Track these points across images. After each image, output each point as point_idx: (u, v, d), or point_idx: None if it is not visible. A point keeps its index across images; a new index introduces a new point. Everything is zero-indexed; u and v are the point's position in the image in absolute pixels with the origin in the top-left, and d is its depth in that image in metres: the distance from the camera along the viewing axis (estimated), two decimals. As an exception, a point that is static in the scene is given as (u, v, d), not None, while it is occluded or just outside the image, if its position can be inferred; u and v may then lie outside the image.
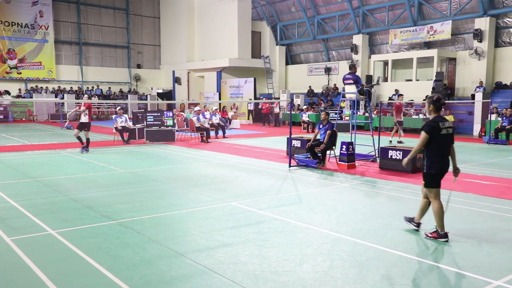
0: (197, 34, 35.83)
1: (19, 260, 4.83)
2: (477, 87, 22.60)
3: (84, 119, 13.73)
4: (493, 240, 5.64)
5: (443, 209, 5.64)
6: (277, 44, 34.14)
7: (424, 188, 5.83)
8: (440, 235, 5.58)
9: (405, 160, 5.92)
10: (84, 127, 13.70)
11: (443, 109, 22.20)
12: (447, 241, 5.56)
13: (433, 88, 22.71)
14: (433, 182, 5.70)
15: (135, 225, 6.14)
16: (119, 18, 37.96)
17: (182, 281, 4.34)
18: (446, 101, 22.50)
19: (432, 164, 5.65)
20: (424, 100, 23.68)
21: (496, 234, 5.90)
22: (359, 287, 4.21)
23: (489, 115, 18.78)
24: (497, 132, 18.13)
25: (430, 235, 5.68)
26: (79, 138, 13.74)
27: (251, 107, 30.14)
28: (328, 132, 11.21)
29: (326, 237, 5.69)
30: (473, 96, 22.33)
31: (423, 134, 5.60)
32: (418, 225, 6.01)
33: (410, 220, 6.11)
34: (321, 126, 11.58)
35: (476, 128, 21.31)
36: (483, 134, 19.97)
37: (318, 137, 11.55)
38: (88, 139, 13.89)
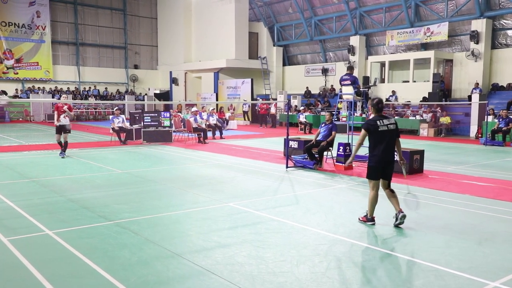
0: (194, 34, 35.83)
1: (16, 260, 4.82)
2: (473, 88, 22.68)
3: (64, 121, 12.71)
4: (490, 241, 5.66)
5: (376, 199, 6.28)
6: (274, 45, 34.18)
7: (381, 184, 6.33)
8: (368, 219, 6.32)
9: (349, 160, 6.83)
10: (66, 130, 12.78)
11: (439, 110, 22.27)
12: (373, 224, 6.25)
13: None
14: (371, 174, 6.28)
15: (132, 225, 6.14)
16: (116, 19, 37.91)
17: (179, 282, 4.34)
18: (443, 103, 22.63)
19: (372, 158, 6.26)
20: (421, 101, 23.79)
21: (493, 235, 5.92)
22: None
23: (485, 116, 18.83)
24: (494, 133, 18.19)
25: (361, 219, 6.41)
26: (60, 143, 12.87)
27: (246, 108, 30.16)
28: (333, 132, 11.28)
29: (323, 238, 5.70)
30: (469, 98, 22.41)
31: (362, 131, 6.31)
32: (401, 214, 6.12)
33: (398, 213, 6.18)
34: (323, 125, 11.64)
35: (473, 129, 21.39)
36: (479, 135, 20.04)
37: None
38: (66, 142, 12.91)
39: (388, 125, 6.19)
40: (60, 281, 4.30)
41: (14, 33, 32.84)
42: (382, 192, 6.42)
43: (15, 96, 32.01)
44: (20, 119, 31.35)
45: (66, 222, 6.29)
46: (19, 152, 13.96)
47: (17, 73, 33.25)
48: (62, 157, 12.65)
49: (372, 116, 6.46)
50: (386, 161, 6.18)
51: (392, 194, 6.25)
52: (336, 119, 19.48)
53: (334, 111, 16.53)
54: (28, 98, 31.59)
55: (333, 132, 11.33)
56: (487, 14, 22.73)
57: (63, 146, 12.89)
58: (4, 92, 31.94)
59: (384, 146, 6.15)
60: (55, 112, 12.93)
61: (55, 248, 5.22)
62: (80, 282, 4.29)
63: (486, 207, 7.45)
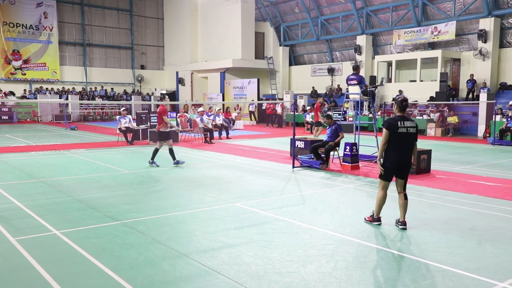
0: (201, 35, 35.88)
1: (23, 260, 4.84)
2: (481, 88, 22.52)
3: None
4: (498, 241, 5.62)
5: (384, 200, 6.25)
6: (280, 45, 34.14)
7: (397, 184, 6.25)
8: (374, 219, 6.32)
9: (378, 163, 6.29)
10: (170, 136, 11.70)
11: (447, 110, 22.15)
12: (379, 224, 6.26)
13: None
14: (384, 174, 6.18)
15: (139, 225, 6.15)
16: (122, 19, 38.06)
17: (186, 282, 4.34)
18: (450, 102, 22.49)
19: (387, 158, 6.15)
20: (428, 100, 23.66)
21: (501, 235, 5.87)
22: (363, 288, 4.20)
23: (493, 116, 18.71)
24: (502, 133, 18.07)
25: (367, 219, 6.40)
26: (157, 150, 11.64)
27: (252, 108, 30.16)
28: (341, 134, 11.26)
29: (330, 238, 5.68)
30: (477, 97, 22.25)
31: (384, 130, 6.13)
32: (401, 226, 6.12)
33: (399, 223, 6.18)
34: (328, 128, 11.65)
35: (481, 129, 21.24)
36: (487, 135, 19.90)
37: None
38: (157, 151, 11.61)
39: (408, 128, 6.07)
40: (68, 281, 4.31)
41: (21, 34, 33.07)
42: (390, 193, 6.38)
43: (22, 97, 32.24)
44: (28, 120, 31.56)
45: (73, 222, 6.32)
46: (27, 153, 14.05)
47: (24, 74, 33.47)
48: (183, 162, 11.68)
49: (394, 115, 6.34)
50: (402, 162, 6.09)
51: (404, 202, 6.12)
52: (342, 119, 19.48)
53: (332, 111, 16.54)
54: (36, 98, 31.80)
55: (340, 134, 11.31)
56: (495, 13, 22.56)
57: (173, 153, 11.61)
58: (12, 93, 32.18)
59: (401, 148, 6.06)
60: (163, 116, 11.47)
61: (62, 248, 5.24)
62: (87, 282, 4.31)
63: (494, 207, 7.39)
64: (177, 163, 11.57)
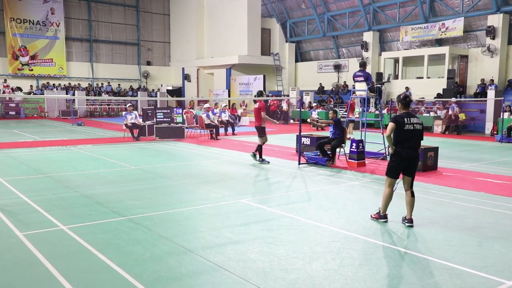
0: (207, 31, 35.85)
1: (30, 255, 4.87)
2: (489, 85, 22.34)
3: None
4: (505, 239, 5.58)
5: (391, 197, 6.23)
6: (286, 41, 34.05)
7: (404, 181, 6.26)
8: (381, 216, 6.30)
9: (390, 148, 6.31)
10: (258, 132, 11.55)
11: (455, 106, 22.00)
12: (386, 221, 6.23)
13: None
14: (391, 171, 6.18)
15: (145, 221, 6.17)
16: (129, 15, 38.10)
17: (192, 278, 4.35)
18: (458, 99, 22.34)
19: (394, 156, 6.15)
20: (435, 97, 23.52)
21: (508, 233, 5.83)
22: (369, 285, 4.19)
23: (501, 113, 18.57)
24: (510, 130, 17.93)
25: (373, 216, 6.37)
26: (261, 148, 11.56)
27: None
28: (345, 128, 11.26)
29: (336, 235, 5.67)
30: (485, 94, 22.09)
31: (390, 123, 6.15)
32: (408, 224, 6.10)
33: (406, 220, 6.16)
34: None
35: (488, 126, 21.09)
36: (495, 132, 19.76)
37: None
38: (260, 147, 11.53)
39: (415, 125, 6.07)
40: (74, 276, 4.33)
41: (29, 30, 33.21)
42: (397, 190, 6.35)
43: (29, 93, 32.41)
44: (35, 115, 31.73)
45: (80, 217, 6.35)
46: (34, 148, 14.12)
47: (32, 70, 33.64)
48: (265, 163, 11.41)
49: (400, 112, 6.33)
50: (409, 158, 6.06)
51: (411, 199, 6.11)
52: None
53: (338, 108, 16.47)
54: (43, 94, 31.95)
55: (344, 128, 11.28)
56: (504, 9, 22.35)
57: (256, 150, 11.58)
58: (19, 89, 32.36)
59: (407, 145, 6.05)
60: (262, 112, 11.64)
61: (69, 243, 5.27)
62: (93, 277, 4.33)
63: (502, 205, 7.34)
64: (262, 161, 11.47)
